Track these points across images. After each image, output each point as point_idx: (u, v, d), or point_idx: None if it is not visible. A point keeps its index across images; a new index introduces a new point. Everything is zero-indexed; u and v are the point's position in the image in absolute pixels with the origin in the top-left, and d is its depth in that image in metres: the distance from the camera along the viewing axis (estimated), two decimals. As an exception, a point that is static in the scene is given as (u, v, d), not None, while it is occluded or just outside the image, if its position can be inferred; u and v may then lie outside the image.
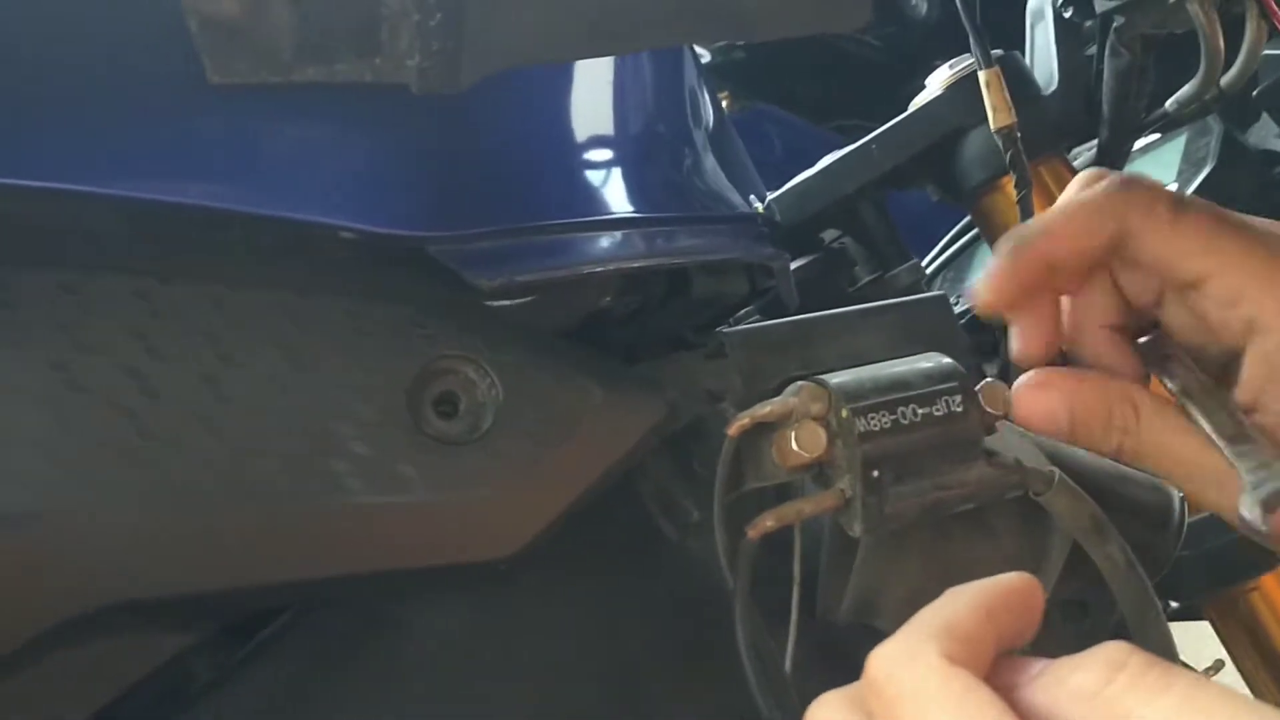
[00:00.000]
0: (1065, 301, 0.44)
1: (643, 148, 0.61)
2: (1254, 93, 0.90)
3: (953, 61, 0.77)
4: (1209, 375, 0.42)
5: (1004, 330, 0.45)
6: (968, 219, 0.94)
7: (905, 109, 0.78)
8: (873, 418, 0.44)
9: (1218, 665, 0.85)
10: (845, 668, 0.33)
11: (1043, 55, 0.80)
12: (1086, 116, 0.79)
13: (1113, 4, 0.73)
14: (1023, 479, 0.47)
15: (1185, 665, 0.55)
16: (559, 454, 0.49)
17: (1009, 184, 0.75)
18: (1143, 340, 0.44)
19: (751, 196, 0.72)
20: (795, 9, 0.46)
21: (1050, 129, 0.77)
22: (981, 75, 0.71)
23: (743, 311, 0.69)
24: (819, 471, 0.45)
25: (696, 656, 0.54)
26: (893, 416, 0.44)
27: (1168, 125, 0.88)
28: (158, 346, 0.44)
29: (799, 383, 0.46)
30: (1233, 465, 0.39)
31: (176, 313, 0.44)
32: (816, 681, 0.36)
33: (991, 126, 0.71)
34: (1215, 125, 0.95)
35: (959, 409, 0.45)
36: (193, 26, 0.42)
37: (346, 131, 0.48)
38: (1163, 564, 0.60)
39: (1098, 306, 0.44)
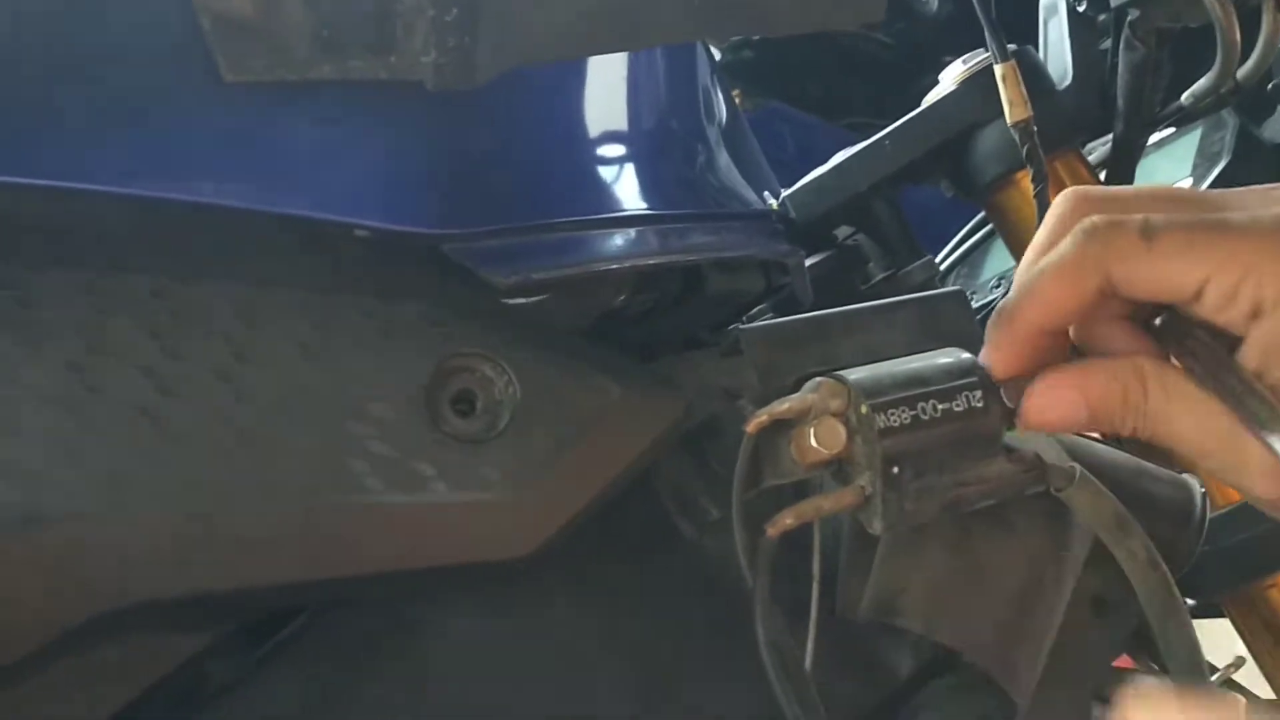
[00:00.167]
0: None
1: (657, 144, 0.61)
2: (1270, 86, 0.89)
3: (965, 57, 0.76)
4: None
5: None
6: (981, 215, 0.93)
7: (915, 106, 0.78)
8: (892, 414, 0.43)
9: (1238, 662, 0.84)
10: (865, 665, 0.33)
11: (1056, 49, 0.79)
12: (1101, 111, 0.78)
13: (1127, -3, 0.72)
14: (1043, 475, 0.47)
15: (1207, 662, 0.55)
16: (577, 452, 0.48)
17: (1023, 179, 0.75)
18: (1157, 321, 0.43)
19: (765, 193, 0.72)
20: (811, 3, 0.45)
21: (1065, 124, 0.77)
22: (998, 69, 0.71)
23: (757, 309, 0.69)
24: (838, 468, 0.45)
25: (716, 655, 0.54)
26: (912, 412, 0.43)
27: (1183, 119, 0.87)
28: (175, 346, 0.44)
29: (817, 379, 0.46)
30: (1267, 446, 0.39)
31: (193, 312, 0.44)
32: (836, 679, 0.36)
33: (1008, 120, 0.71)
34: (1230, 119, 0.94)
35: (979, 404, 0.44)
36: (205, 25, 0.42)
37: (361, 129, 0.48)
38: (1184, 560, 0.60)
39: (1104, 307, 0.43)
